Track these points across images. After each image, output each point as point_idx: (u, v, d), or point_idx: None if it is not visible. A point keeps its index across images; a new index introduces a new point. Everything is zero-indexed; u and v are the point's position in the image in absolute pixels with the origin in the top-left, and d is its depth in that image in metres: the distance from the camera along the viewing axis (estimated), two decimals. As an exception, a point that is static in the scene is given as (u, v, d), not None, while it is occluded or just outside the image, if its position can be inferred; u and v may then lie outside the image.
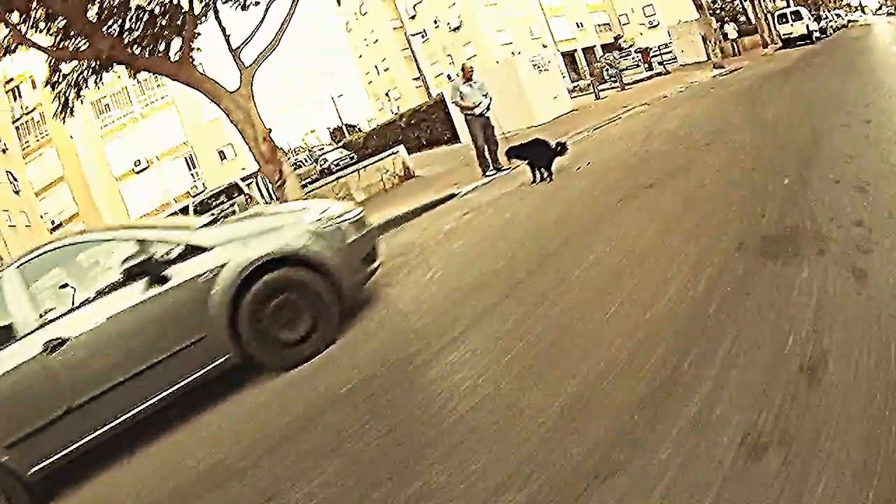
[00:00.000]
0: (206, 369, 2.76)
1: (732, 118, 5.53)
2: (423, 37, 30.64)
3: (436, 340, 2.44)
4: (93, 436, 2.58)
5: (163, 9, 5.96)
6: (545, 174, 5.41)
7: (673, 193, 3.52)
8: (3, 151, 24.50)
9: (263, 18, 6.85)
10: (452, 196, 6.71)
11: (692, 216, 3.02)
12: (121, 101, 28.04)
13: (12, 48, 5.19)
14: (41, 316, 2.59)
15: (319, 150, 33.21)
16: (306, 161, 23.10)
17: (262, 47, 6.45)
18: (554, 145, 5.49)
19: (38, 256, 2.71)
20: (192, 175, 29.62)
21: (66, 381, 2.57)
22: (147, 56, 5.96)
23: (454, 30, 31.89)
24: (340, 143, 26.32)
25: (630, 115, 9.00)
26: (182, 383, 2.73)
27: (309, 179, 18.08)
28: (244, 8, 7.37)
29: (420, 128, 16.17)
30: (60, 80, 5.89)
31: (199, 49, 6.70)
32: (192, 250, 2.73)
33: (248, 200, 11.70)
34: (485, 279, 3.11)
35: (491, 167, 7.10)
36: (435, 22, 32.81)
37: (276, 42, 6.57)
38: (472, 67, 7.28)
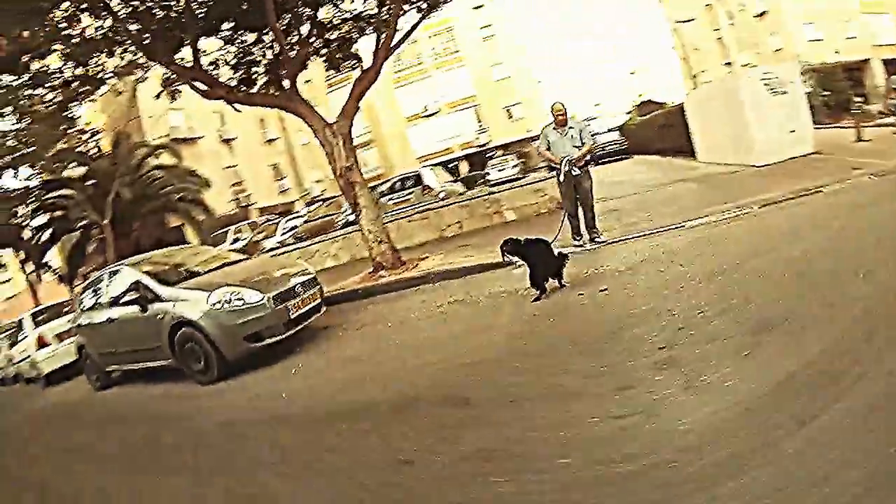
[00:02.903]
0: (162, 363, 6.08)
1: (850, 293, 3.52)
2: (729, 20, 32.22)
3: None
4: (124, 369, 6.41)
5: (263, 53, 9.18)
6: (546, 286, 5.38)
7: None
8: (307, 82, 36.00)
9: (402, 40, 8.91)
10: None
11: None
12: (414, 52, 37.75)
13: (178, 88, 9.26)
14: (110, 301, 6.18)
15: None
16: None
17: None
18: (557, 253, 5.46)
19: (118, 268, 6.25)
20: (479, 127, 35.44)
21: (112, 337, 6.33)
22: (260, 94, 9.33)
23: (758, 16, 31.92)
24: (615, 126, 25.86)
25: (828, 192, 6.60)
26: (153, 364, 6.14)
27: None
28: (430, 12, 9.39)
29: (665, 132, 15.11)
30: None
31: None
32: (158, 297, 5.60)
33: (425, 191, 14.36)
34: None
35: (582, 235, 6.97)
36: (741, 5, 32.74)
37: (376, 71, 8.63)
38: (563, 108, 6.81)
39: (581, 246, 6.90)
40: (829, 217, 5.56)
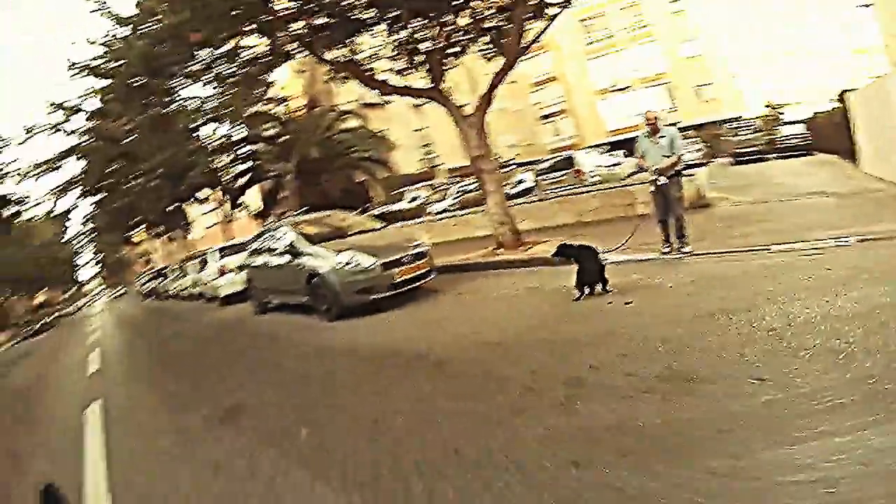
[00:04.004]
0: (300, 300, 8.72)
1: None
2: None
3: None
4: (278, 303, 9.21)
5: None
6: (594, 289, 6.23)
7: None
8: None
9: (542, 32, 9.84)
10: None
11: None
12: (603, 26, 38.25)
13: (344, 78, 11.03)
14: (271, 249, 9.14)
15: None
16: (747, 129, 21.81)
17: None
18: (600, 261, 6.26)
19: (281, 225, 9.00)
20: (670, 105, 33.72)
21: (269, 277, 9.29)
22: (411, 88, 10.84)
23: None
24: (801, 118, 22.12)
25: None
26: (294, 300, 8.84)
27: (750, 148, 18.80)
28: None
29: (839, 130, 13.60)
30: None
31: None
32: (303, 252, 8.09)
33: (577, 175, 14.77)
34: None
35: (671, 244, 7.36)
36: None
37: (509, 65, 9.66)
38: (655, 116, 7.14)
39: (667, 254, 7.31)
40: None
